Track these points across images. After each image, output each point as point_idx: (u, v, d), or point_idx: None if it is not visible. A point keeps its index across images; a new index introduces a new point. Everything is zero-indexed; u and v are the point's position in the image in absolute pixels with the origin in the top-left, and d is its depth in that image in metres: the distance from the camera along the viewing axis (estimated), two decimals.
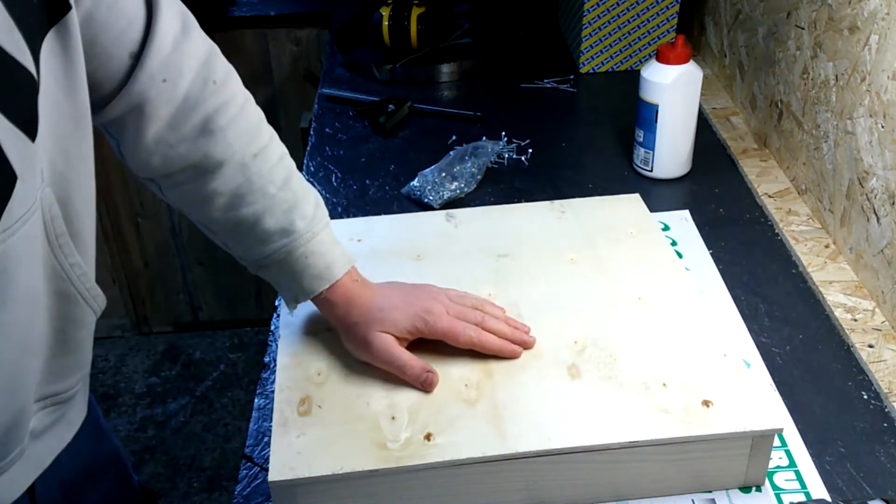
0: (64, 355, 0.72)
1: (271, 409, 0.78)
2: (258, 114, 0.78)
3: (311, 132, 1.39)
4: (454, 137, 1.33)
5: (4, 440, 0.67)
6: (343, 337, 0.81)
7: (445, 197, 1.17)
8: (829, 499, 0.76)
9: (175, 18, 0.71)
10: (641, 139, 1.20)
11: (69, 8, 0.61)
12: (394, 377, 0.77)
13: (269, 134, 0.78)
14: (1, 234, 0.58)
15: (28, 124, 0.58)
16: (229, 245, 0.79)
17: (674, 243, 1.07)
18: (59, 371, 0.72)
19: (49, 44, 0.60)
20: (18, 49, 0.56)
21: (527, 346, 0.80)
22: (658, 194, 1.19)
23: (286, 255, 0.77)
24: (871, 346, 0.92)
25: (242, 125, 0.75)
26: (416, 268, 0.92)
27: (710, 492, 0.76)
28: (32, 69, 0.58)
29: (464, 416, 0.73)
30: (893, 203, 0.93)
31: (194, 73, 0.73)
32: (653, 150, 1.19)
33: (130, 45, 0.68)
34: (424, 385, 0.76)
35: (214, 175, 0.74)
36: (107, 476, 0.91)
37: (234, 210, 0.76)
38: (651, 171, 1.21)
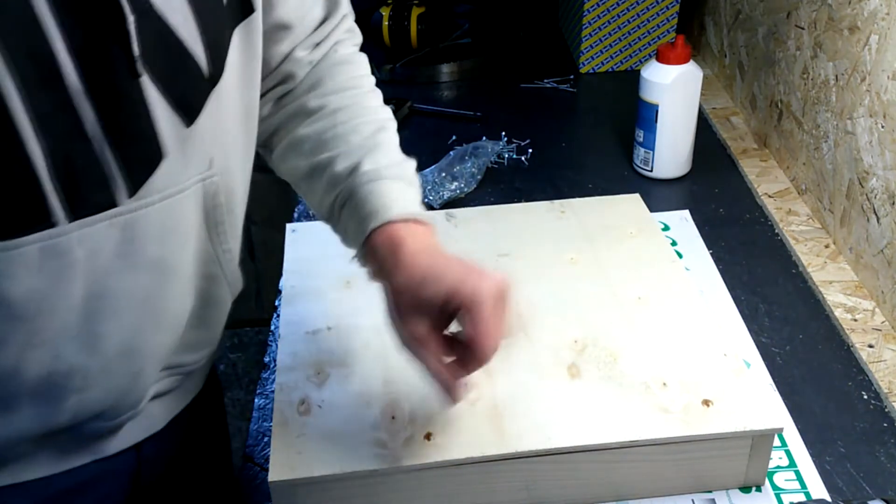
0: (197, 329, 0.75)
1: (271, 409, 0.78)
2: (374, 89, 0.80)
3: None
4: (454, 137, 1.33)
5: (121, 401, 0.69)
6: (385, 298, 0.68)
7: (445, 197, 1.17)
8: (829, 499, 0.75)
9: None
10: (641, 139, 1.20)
11: (253, 10, 0.66)
12: (394, 377, 0.77)
13: (378, 103, 0.78)
14: (136, 202, 0.60)
15: (188, 110, 0.61)
16: (310, 199, 0.76)
17: (674, 243, 1.07)
18: (191, 344, 0.75)
19: (234, 41, 0.64)
20: (194, 40, 0.59)
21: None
22: (658, 194, 1.19)
23: (349, 195, 0.70)
24: (871, 346, 0.92)
25: (349, 87, 0.77)
26: None
27: (710, 492, 0.76)
28: (204, 62, 0.61)
29: (463, 416, 0.73)
30: (893, 203, 0.93)
31: (327, 49, 0.79)
32: (653, 150, 1.19)
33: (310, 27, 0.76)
34: (448, 396, 0.65)
35: (308, 121, 0.75)
36: (209, 457, 0.93)
37: (315, 155, 0.74)
38: (651, 171, 1.21)
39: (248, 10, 0.66)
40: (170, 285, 0.67)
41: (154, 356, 0.70)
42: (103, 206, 0.59)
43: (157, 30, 0.57)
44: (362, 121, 0.75)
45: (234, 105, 0.68)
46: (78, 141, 0.56)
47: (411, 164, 0.75)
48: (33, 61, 0.52)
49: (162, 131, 0.60)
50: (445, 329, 0.66)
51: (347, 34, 0.82)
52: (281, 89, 0.77)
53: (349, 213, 0.71)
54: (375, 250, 0.68)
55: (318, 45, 0.78)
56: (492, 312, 0.63)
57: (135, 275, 0.64)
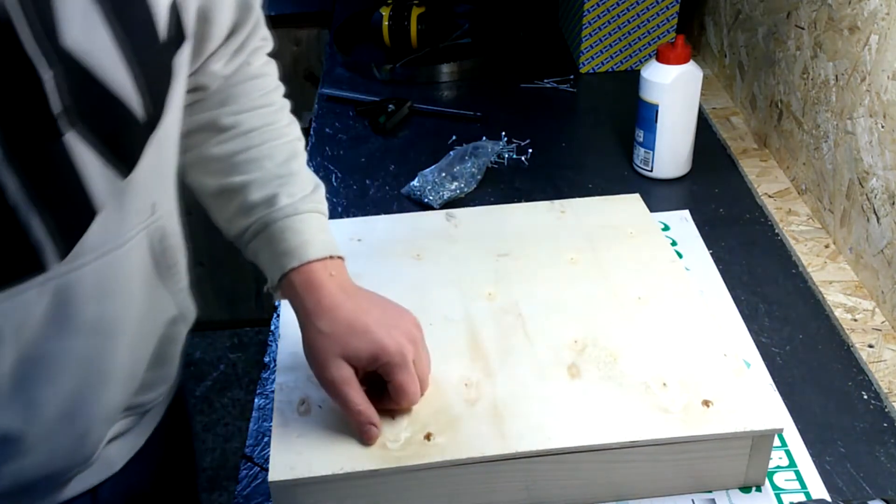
0: (154, 369, 0.73)
1: (271, 409, 0.78)
2: (283, 102, 0.79)
3: (311, 132, 1.39)
4: (454, 137, 1.33)
5: (69, 461, 0.68)
6: (303, 335, 0.71)
7: (445, 197, 1.17)
8: (829, 499, 0.75)
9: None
10: (641, 139, 1.20)
11: (185, 38, 0.62)
12: None
13: (288, 120, 0.78)
14: (67, 265, 0.58)
15: (125, 161, 0.59)
16: (217, 216, 0.76)
17: (674, 243, 1.07)
18: (147, 384, 0.74)
19: (172, 76, 0.61)
20: (128, 86, 0.56)
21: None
22: (658, 194, 1.19)
23: (263, 228, 0.72)
24: (871, 346, 0.92)
25: (261, 105, 0.76)
26: (416, 268, 0.92)
27: (710, 492, 0.76)
28: (140, 108, 0.57)
29: (464, 416, 0.73)
30: (893, 203, 0.93)
31: (241, 61, 0.76)
32: (653, 150, 1.19)
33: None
34: (362, 436, 0.70)
35: (217, 139, 0.74)
36: (174, 490, 0.90)
37: (226, 177, 0.74)
38: (651, 171, 1.21)
39: (180, 38, 0.61)
40: (114, 343, 0.65)
41: (103, 414, 0.68)
42: (31, 273, 0.56)
43: (82, 81, 0.53)
44: (276, 144, 0.75)
45: (174, 142, 0.66)
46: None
47: (321, 189, 0.77)
48: None
49: (93, 188, 0.57)
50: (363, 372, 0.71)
51: (262, 42, 0.79)
52: (189, 97, 0.73)
53: (263, 244, 0.73)
54: (293, 287, 0.71)
55: (233, 56, 0.75)
56: (416, 364, 0.71)
57: (71, 338, 0.61)
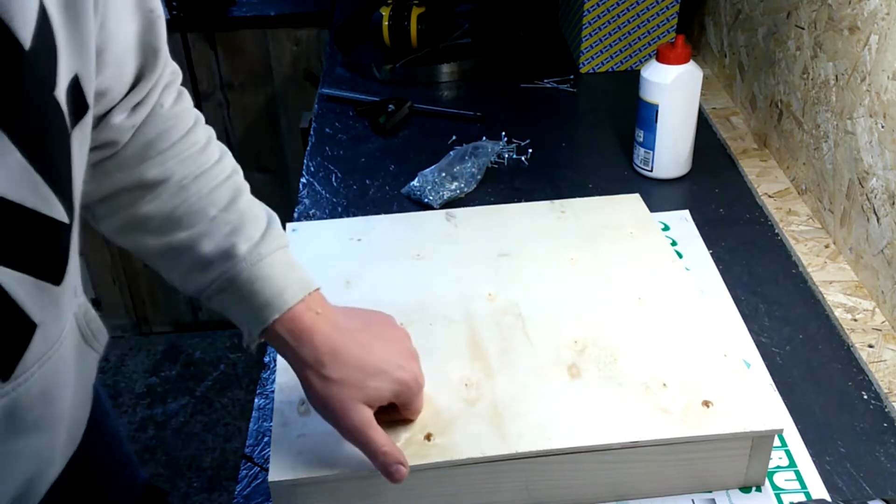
0: (84, 410, 0.73)
1: (271, 409, 0.78)
2: (207, 133, 0.71)
3: (311, 132, 1.39)
4: (454, 137, 1.33)
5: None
6: (303, 385, 0.68)
7: (445, 197, 1.17)
8: (829, 499, 0.75)
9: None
10: (641, 139, 1.20)
11: (88, 108, 0.57)
12: None
13: (219, 154, 0.71)
14: (12, 383, 0.56)
15: (53, 271, 0.57)
16: (168, 275, 0.70)
17: (674, 243, 1.07)
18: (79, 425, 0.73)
19: (74, 152, 0.57)
20: (45, 202, 0.53)
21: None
22: (658, 194, 1.19)
23: (228, 283, 0.66)
24: (871, 346, 0.92)
25: (185, 148, 0.68)
26: (416, 268, 0.92)
27: (710, 492, 0.76)
28: (65, 216, 0.55)
29: (464, 416, 0.73)
30: (893, 203, 0.93)
31: (151, 107, 0.68)
32: (653, 150, 1.19)
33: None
34: (391, 477, 0.67)
35: (149, 197, 0.67)
36: (110, 473, 0.89)
37: (169, 234, 0.67)
38: (651, 171, 1.21)
39: (83, 110, 0.57)
40: (58, 431, 0.65)
41: (48, 482, 0.67)
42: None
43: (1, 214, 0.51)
44: (214, 187, 0.68)
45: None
46: None
47: (275, 218, 0.72)
48: None
49: (30, 307, 0.55)
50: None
51: (172, 76, 0.70)
52: (98, 154, 0.66)
53: (232, 300, 0.67)
54: (280, 338, 0.67)
55: (137, 105, 0.66)
56: (419, 406, 0.72)
57: (18, 440, 0.60)
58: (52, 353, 0.61)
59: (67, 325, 0.63)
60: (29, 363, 0.57)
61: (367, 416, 0.66)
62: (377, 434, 0.66)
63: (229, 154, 0.72)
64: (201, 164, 0.68)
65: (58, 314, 0.60)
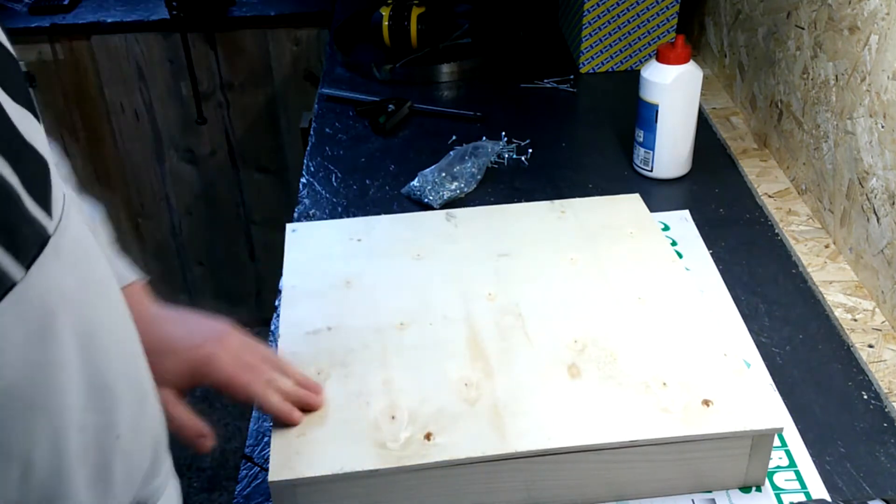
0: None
1: None
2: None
3: (311, 132, 1.39)
4: (454, 137, 1.33)
5: (155, 455, 0.64)
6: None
7: (445, 197, 1.17)
8: (829, 499, 0.76)
9: None
10: (641, 139, 1.20)
11: None
12: (394, 377, 0.77)
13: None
14: (62, 226, 0.52)
15: (30, 106, 0.53)
16: None
17: (674, 243, 1.07)
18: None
19: None
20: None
21: (312, 408, 0.74)
22: (658, 194, 1.19)
23: None
24: (871, 346, 0.92)
25: None
26: (416, 268, 0.92)
27: (710, 492, 0.76)
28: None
29: (464, 416, 0.73)
30: (893, 203, 0.93)
31: None
32: (653, 150, 1.19)
33: None
34: (198, 449, 0.70)
35: None
36: None
37: None
38: (651, 171, 1.21)
39: None
40: (121, 302, 0.63)
41: (158, 411, 0.67)
42: (42, 241, 0.50)
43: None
44: None
45: None
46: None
47: (101, 209, 0.71)
48: None
49: (35, 143, 0.52)
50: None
51: None
52: None
53: None
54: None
55: None
56: (238, 363, 0.73)
57: (110, 306, 0.58)
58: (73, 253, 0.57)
59: (77, 222, 0.58)
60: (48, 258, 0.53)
61: (164, 395, 0.69)
62: (174, 412, 0.71)
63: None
64: None
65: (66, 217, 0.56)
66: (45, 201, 0.50)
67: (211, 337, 0.73)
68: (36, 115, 0.52)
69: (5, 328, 0.47)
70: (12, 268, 0.47)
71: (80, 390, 0.53)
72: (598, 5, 1.44)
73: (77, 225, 0.55)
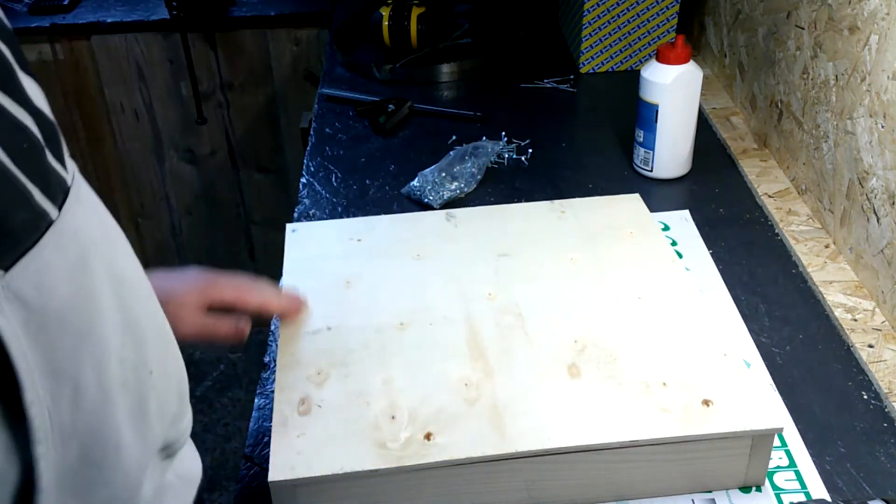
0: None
1: (271, 409, 0.78)
2: None
3: (311, 132, 1.39)
4: (454, 137, 1.33)
5: (181, 395, 0.68)
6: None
7: (445, 197, 1.17)
8: (829, 499, 0.76)
9: None
10: (641, 139, 1.20)
11: None
12: (394, 377, 0.77)
13: None
14: (76, 181, 0.56)
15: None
16: None
17: (674, 243, 1.07)
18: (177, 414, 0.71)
19: None
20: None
21: (299, 304, 0.86)
22: (658, 194, 1.19)
23: None
24: (871, 346, 0.92)
25: None
26: (416, 268, 0.92)
27: (710, 492, 0.76)
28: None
29: (464, 416, 0.73)
30: (893, 203, 0.93)
31: None
32: (653, 150, 1.19)
33: None
34: (237, 342, 0.79)
35: None
36: None
37: None
38: (651, 171, 1.21)
39: None
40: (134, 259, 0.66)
41: (180, 356, 0.69)
42: (65, 190, 0.55)
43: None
44: None
45: None
46: (21, 132, 0.52)
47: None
48: None
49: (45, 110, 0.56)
50: None
51: None
52: None
53: None
54: None
55: None
56: (236, 282, 0.83)
57: (127, 254, 0.62)
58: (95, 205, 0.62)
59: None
60: (76, 201, 0.58)
61: (193, 316, 0.78)
62: (206, 320, 0.80)
63: None
64: None
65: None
66: (60, 158, 0.55)
67: (202, 274, 0.82)
68: (39, 85, 0.57)
69: (50, 258, 0.52)
70: (49, 208, 0.52)
71: (117, 324, 0.58)
72: (598, 5, 1.44)
73: (86, 184, 0.60)
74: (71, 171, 0.56)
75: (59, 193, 0.54)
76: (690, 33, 1.57)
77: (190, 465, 0.73)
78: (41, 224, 0.51)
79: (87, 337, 0.55)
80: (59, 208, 0.53)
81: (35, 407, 0.50)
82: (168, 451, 0.67)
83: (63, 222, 0.53)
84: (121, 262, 0.60)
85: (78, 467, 0.54)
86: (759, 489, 0.76)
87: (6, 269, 0.48)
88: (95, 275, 0.56)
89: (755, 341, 0.93)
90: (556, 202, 1.02)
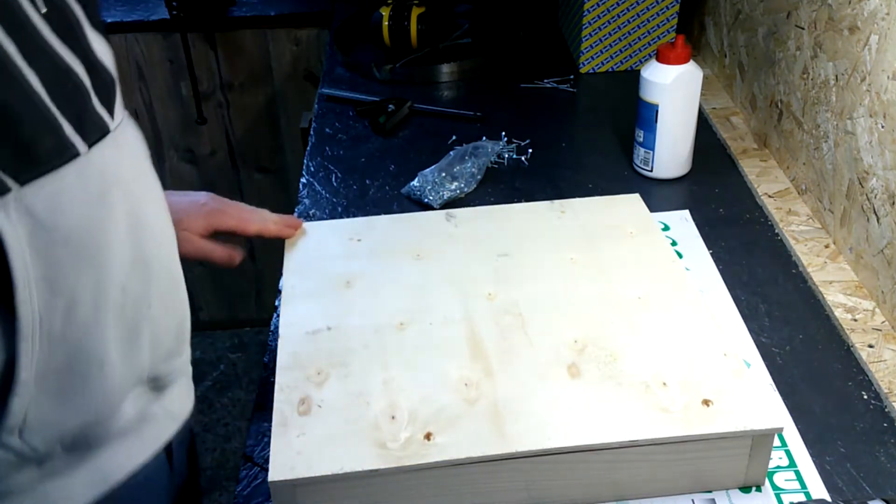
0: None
1: (271, 409, 0.78)
2: None
3: (311, 132, 1.39)
4: (454, 137, 1.33)
5: (179, 336, 0.74)
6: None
7: (445, 197, 1.17)
8: (829, 499, 0.76)
9: None
10: (641, 139, 1.20)
11: None
12: (394, 377, 0.77)
13: None
14: (118, 126, 0.63)
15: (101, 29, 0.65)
16: None
17: (674, 243, 1.07)
18: (170, 350, 0.75)
19: None
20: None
21: (295, 225, 0.98)
22: (658, 194, 1.19)
23: None
24: (871, 346, 0.92)
25: None
26: (416, 268, 0.92)
27: (710, 492, 0.76)
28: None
29: (464, 416, 0.73)
30: (893, 203, 0.93)
31: None
32: (653, 150, 1.19)
33: None
34: (230, 264, 0.90)
35: None
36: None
37: None
38: (651, 171, 1.21)
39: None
40: (165, 211, 0.71)
41: (186, 300, 0.74)
42: (104, 131, 0.62)
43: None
44: None
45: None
46: (64, 70, 0.58)
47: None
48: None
49: (103, 58, 0.63)
50: None
51: None
52: None
53: None
54: None
55: None
56: (238, 209, 0.94)
57: (150, 198, 0.68)
58: (124, 143, 0.67)
59: (131, 128, 0.69)
60: (106, 143, 0.64)
61: (193, 240, 0.89)
62: (205, 244, 0.90)
63: None
64: None
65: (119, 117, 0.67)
66: (109, 106, 0.62)
67: (209, 200, 0.93)
68: (107, 41, 0.64)
69: (68, 187, 0.58)
70: (79, 143, 0.58)
71: (125, 257, 0.63)
72: (598, 5, 1.44)
73: (134, 134, 0.68)
74: (118, 120, 0.64)
75: (94, 133, 0.60)
76: (690, 33, 1.57)
77: (181, 403, 0.77)
78: (66, 154, 0.57)
79: (91, 261, 0.60)
80: (91, 145, 0.60)
81: (25, 306, 0.56)
82: (157, 384, 0.72)
83: (91, 157, 0.59)
84: (146, 208, 0.66)
85: (61, 373, 0.60)
86: (759, 489, 0.76)
87: (22, 184, 0.55)
88: (114, 210, 0.62)
89: (755, 341, 0.93)
90: (556, 202, 1.02)
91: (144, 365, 0.68)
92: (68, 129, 0.58)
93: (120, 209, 0.62)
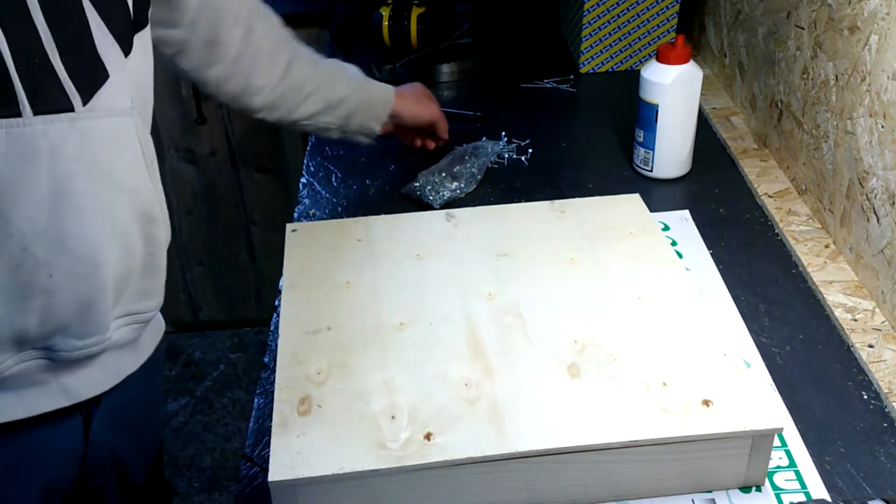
0: (147, 277, 0.82)
1: (271, 409, 0.78)
2: (274, 40, 1.04)
3: None
4: (454, 137, 1.33)
5: (87, 317, 0.75)
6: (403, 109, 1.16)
7: (445, 197, 1.17)
8: (829, 499, 0.76)
9: None
10: (641, 139, 1.20)
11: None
12: (394, 377, 0.77)
13: (291, 52, 1.05)
14: (89, 112, 0.69)
15: (123, 41, 0.72)
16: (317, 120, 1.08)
17: (674, 243, 1.07)
18: (143, 291, 0.82)
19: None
20: None
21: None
22: (658, 194, 1.19)
23: (362, 103, 1.11)
24: (871, 346, 0.92)
25: (263, 60, 1.01)
26: (416, 267, 0.92)
27: (710, 492, 0.76)
28: (131, 7, 0.73)
29: (464, 416, 0.73)
30: (893, 203, 0.93)
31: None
32: (653, 150, 1.19)
33: None
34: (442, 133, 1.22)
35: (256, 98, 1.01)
36: (146, 445, 0.99)
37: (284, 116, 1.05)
38: (651, 171, 1.21)
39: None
40: (123, 203, 0.74)
41: (113, 275, 0.75)
42: (62, 109, 0.67)
43: None
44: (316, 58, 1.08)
45: (150, 56, 0.79)
46: (35, 44, 0.65)
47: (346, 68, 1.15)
48: None
49: (104, 57, 0.70)
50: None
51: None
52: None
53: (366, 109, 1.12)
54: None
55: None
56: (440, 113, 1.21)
57: (94, 181, 0.70)
58: (118, 117, 0.74)
59: (130, 114, 0.75)
60: (101, 104, 0.72)
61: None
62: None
63: (299, 48, 1.11)
64: (281, 65, 1.05)
65: (124, 86, 0.74)
66: (86, 90, 0.69)
67: (429, 98, 1.20)
68: (125, 50, 0.74)
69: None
70: (25, 108, 0.66)
71: (37, 221, 0.68)
72: (598, 5, 1.44)
73: (126, 132, 0.75)
74: (98, 107, 0.71)
75: (46, 105, 0.67)
76: (690, 33, 1.57)
77: (87, 387, 0.81)
78: (5, 110, 0.65)
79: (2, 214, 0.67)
80: (37, 114, 0.66)
81: None
82: (53, 356, 0.76)
83: (32, 124, 0.66)
84: (87, 191, 0.71)
85: None
86: (759, 489, 0.76)
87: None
88: (38, 176, 0.67)
89: (755, 341, 0.93)
90: (556, 202, 1.02)
91: (29, 329, 0.73)
92: (20, 92, 0.64)
93: (46, 178, 0.67)
